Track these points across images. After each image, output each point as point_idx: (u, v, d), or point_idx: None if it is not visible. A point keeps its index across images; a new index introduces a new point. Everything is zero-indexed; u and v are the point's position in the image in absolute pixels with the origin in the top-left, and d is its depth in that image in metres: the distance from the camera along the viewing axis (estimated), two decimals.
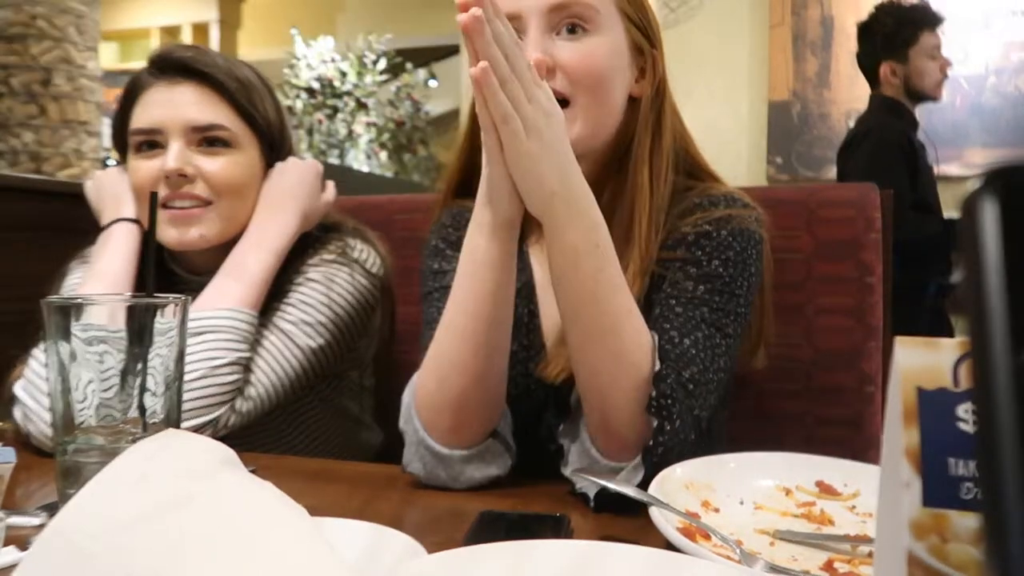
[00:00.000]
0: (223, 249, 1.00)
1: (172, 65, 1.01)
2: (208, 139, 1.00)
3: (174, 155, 0.98)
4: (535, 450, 0.91)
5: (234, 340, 0.92)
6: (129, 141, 1.02)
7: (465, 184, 0.97)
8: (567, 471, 0.76)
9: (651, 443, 0.70)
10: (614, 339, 0.71)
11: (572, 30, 0.82)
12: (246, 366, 0.93)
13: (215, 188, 1.00)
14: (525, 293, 0.92)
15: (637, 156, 0.85)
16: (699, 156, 0.92)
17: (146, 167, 0.99)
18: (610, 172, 0.87)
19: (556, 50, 0.81)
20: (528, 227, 0.95)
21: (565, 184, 0.70)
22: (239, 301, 0.94)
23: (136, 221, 1.03)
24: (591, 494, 0.69)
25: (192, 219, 0.99)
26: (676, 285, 0.81)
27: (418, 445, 0.78)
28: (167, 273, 1.07)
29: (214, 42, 6.27)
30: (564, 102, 0.79)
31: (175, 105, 1.00)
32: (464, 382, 0.76)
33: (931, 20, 2.32)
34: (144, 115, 1.00)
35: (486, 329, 0.75)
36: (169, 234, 0.99)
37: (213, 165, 1.00)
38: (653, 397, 0.71)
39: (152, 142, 1.00)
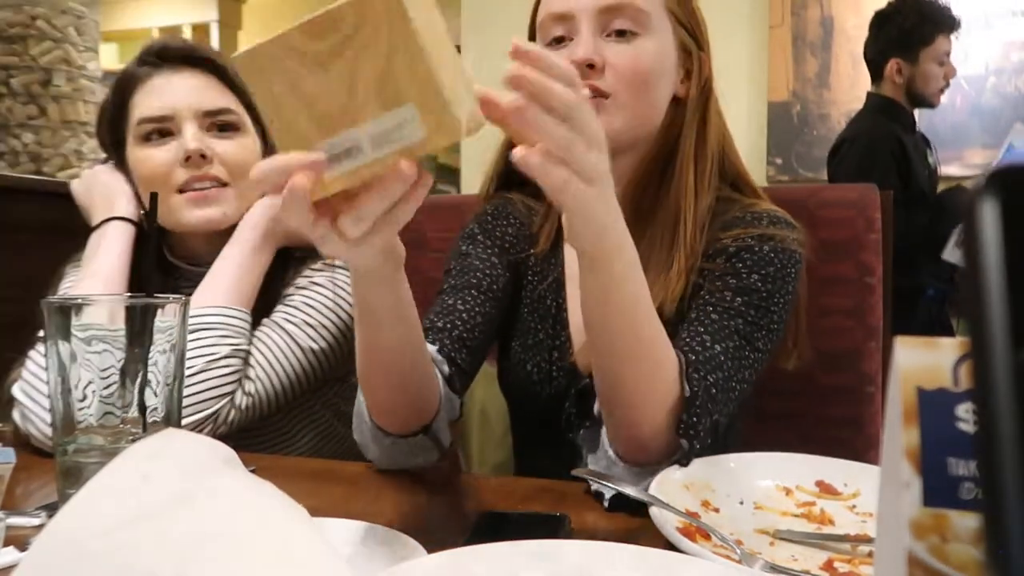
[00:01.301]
0: (225, 237, 1.02)
1: (173, 55, 1.02)
2: (219, 124, 1.02)
3: (193, 136, 0.99)
4: (552, 439, 0.92)
5: (229, 335, 0.93)
6: (132, 133, 1.02)
7: (506, 175, 1.00)
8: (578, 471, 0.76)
9: (678, 461, 0.71)
10: (648, 364, 0.70)
11: (622, 33, 0.83)
12: (244, 359, 0.94)
13: (231, 170, 1.01)
14: (554, 287, 0.94)
15: (683, 155, 0.86)
16: (742, 166, 0.93)
17: (160, 155, 1.00)
18: (655, 170, 0.88)
19: (605, 51, 0.83)
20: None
21: (613, 218, 0.64)
22: (228, 299, 0.96)
23: (129, 220, 1.03)
24: (606, 494, 0.70)
25: (214, 199, 1.00)
26: (714, 293, 0.82)
27: (359, 416, 0.79)
28: (168, 266, 1.08)
29: (214, 42, 6.26)
30: (603, 94, 0.82)
31: (184, 91, 1.01)
32: (372, 384, 0.74)
33: (949, 24, 2.30)
34: (151, 103, 1.01)
35: (368, 347, 0.70)
36: (193, 215, 1.00)
37: (227, 148, 1.01)
38: (683, 419, 0.71)
39: (163, 130, 1.00)
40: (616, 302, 0.67)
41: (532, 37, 0.91)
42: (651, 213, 0.88)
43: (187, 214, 0.99)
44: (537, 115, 0.52)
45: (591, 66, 0.81)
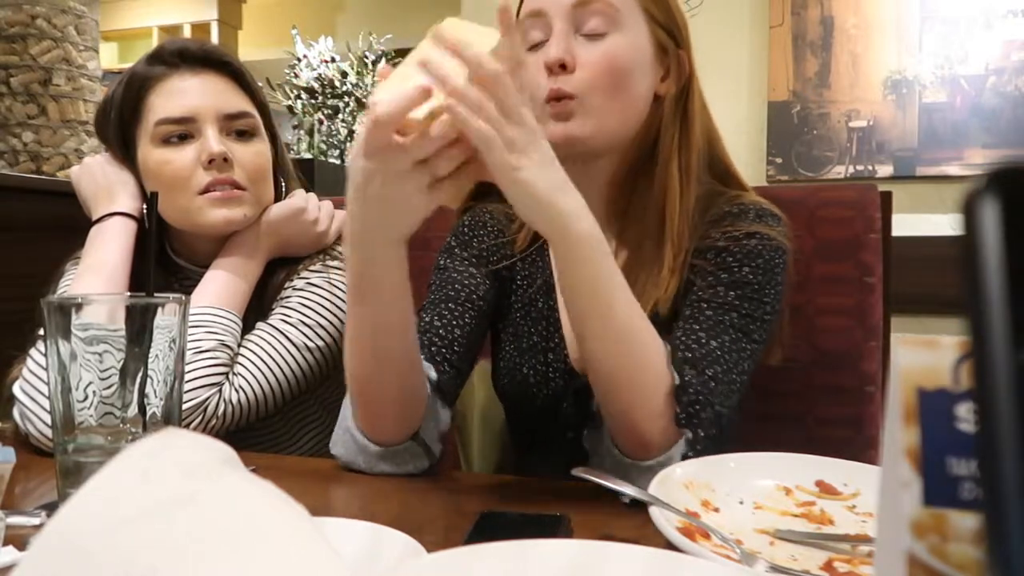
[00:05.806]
0: (225, 240, 1.03)
1: (192, 56, 1.01)
2: (237, 128, 1.02)
3: (216, 139, 0.98)
4: (550, 439, 0.92)
5: (215, 331, 0.94)
6: (147, 133, 1.00)
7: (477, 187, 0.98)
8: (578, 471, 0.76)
9: (688, 454, 0.72)
10: (633, 348, 0.71)
11: (593, 31, 0.82)
12: (231, 354, 0.94)
13: (249, 175, 1.01)
14: (544, 290, 0.95)
15: (664, 154, 0.86)
16: (728, 160, 0.93)
17: (181, 157, 0.99)
18: (638, 170, 0.88)
19: (578, 49, 0.82)
20: None
21: (565, 200, 0.66)
22: (217, 302, 0.97)
23: (131, 216, 1.02)
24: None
25: (236, 200, 1.00)
26: (707, 289, 0.82)
27: (345, 431, 0.80)
28: (170, 264, 1.08)
29: (214, 42, 6.24)
30: (570, 97, 0.81)
31: (205, 93, 1.00)
32: (362, 376, 0.76)
33: None
34: (171, 104, 0.99)
35: (363, 331, 0.74)
36: (217, 215, 0.99)
37: (246, 153, 1.01)
38: (679, 411, 0.72)
39: (183, 132, 0.99)
40: (588, 283, 0.69)
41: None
42: (637, 212, 0.88)
43: (210, 214, 0.99)
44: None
45: (563, 66, 0.81)
